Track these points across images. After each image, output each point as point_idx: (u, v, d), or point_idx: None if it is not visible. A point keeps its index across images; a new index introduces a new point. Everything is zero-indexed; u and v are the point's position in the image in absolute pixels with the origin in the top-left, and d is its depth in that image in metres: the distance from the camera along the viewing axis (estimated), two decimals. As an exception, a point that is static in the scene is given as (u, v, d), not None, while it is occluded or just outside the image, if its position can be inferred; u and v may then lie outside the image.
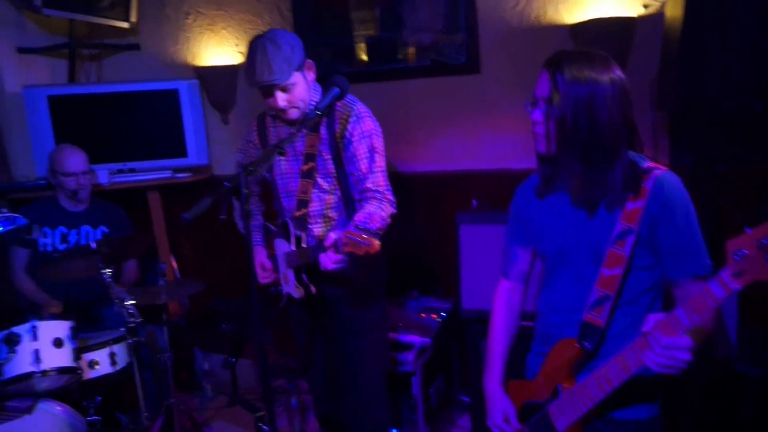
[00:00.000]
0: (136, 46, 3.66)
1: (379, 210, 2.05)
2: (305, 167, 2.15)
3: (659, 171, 1.42)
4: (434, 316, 2.91)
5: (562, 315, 1.55)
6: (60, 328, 2.32)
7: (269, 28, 2.28)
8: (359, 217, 2.01)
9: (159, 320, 2.79)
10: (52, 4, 3.11)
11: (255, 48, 2.02)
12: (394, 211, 2.11)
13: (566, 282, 1.55)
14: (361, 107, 2.13)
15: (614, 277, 1.43)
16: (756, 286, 1.07)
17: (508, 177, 2.06)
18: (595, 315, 1.45)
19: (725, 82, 2.09)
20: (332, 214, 2.19)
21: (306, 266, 2.10)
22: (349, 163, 2.12)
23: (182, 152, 3.48)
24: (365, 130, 2.10)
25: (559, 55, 1.44)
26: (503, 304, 1.74)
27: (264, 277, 2.31)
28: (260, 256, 2.34)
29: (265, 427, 2.61)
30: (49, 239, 2.93)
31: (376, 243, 1.66)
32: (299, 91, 2.06)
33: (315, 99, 2.12)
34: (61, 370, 2.27)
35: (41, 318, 2.42)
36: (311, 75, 2.13)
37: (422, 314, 2.93)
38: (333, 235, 1.79)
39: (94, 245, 2.49)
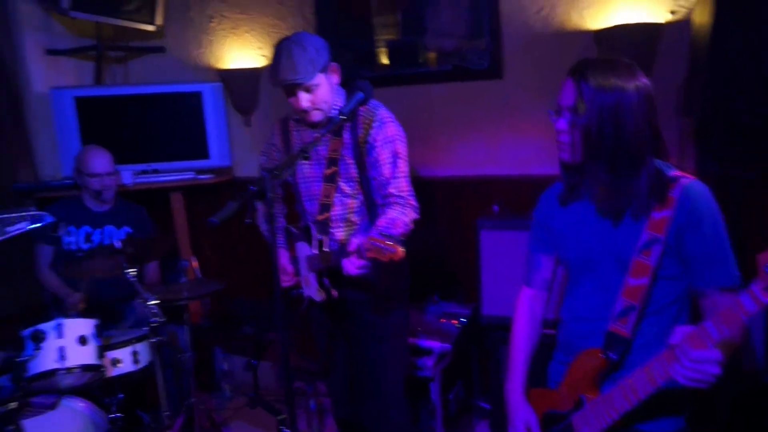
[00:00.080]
0: (161, 49, 3.70)
1: (402, 215, 2.05)
2: (328, 171, 2.16)
3: (686, 180, 1.41)
4: (454, 321, 2.89)
5: (586, 324, 1.54)
6: (85, 325, 2.35)
7: (292, 31, 2.28)
8: (382, 222, 2.01)
9: (180, 320, 2.83)
10: (80, 7, 3.16)
11: (281, 49, 2.03)
12: (417, 216, 2.10)
13: (590, 290, 1.55)
14: (384, 112, 2.13)
15: (640, 287, 1.42)
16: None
17: (530, 183, 2.04)
18: (620, 325, 1.44)
19: (754, 88, 2.06)
20: (354, 218, 2.19)
21: (328, 270, 2.10)
22: (371, 168, 2.12)
23: (205, 154, 3.51)
24: (388, 135, 2.10)
25: (583, 63, 1.44)
26: (526, 312, 1.74)
27: (285, 280, 2.32)
28: (282, 258, 2.35)
29: (286, 429, 2.62)
30: (74, 238, 2.98)
31: (400, 250, 1.65)
32: (322, 92, 2.06)
33: (339, 103, 2.12)
34: (85, 368, 2.30)
35: (66, 315, 2.46)
36: (335, 78, 2.13)
37: (442, 319, 2.91)
38: (356, 240, 1.79)
39: (118, 245, 2.52)
